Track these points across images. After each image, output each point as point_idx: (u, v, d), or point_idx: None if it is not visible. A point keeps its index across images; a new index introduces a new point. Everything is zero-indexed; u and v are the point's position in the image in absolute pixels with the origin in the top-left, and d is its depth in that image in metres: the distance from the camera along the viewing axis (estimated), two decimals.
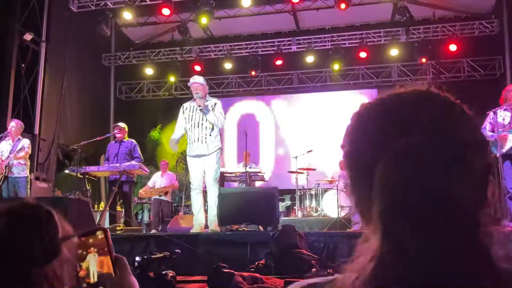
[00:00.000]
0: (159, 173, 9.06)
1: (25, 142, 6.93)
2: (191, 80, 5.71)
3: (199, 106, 5.50)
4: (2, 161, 6.67)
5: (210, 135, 5.51)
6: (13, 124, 6.97)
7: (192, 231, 5.44)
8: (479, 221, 0.57)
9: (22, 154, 6.76)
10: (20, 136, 6.99)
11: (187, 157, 5.70)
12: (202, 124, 5.51)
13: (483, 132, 5.29)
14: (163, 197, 8.75)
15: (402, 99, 0.66)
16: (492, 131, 5.41)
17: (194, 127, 5.54)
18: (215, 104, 5.61)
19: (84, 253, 1.00)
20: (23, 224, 0.65)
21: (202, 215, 5.55)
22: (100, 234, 1.02)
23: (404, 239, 0.55)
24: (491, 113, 5.46)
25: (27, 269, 0.63)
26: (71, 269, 0.72)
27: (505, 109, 5.44)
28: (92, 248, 1.00)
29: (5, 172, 6.66)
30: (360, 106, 0.71)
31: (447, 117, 0.61)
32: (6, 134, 6.89)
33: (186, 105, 5.80)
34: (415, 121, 0.60)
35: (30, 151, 7.04)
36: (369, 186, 0.62)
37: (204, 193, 5.69)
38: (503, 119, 5.36)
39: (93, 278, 1.02)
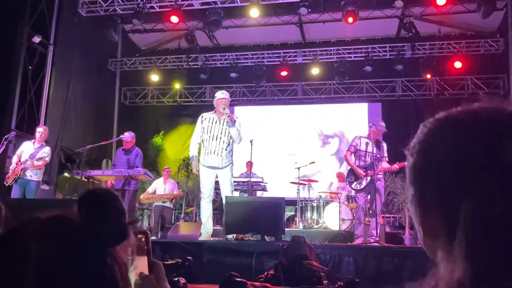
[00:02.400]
0: (161, 179, 9.03)
1: (47, 150, 6.95)
2: (222, 94, 5.92)
3: (227, 114, 5.65)
4: (20, 163, 6.72)
5: (226, 149, 5.69)
6: (41, 130, 7.04)
7: (200, 238, 5.47)
8: None
9: (40, 163, 6.79)
10: (44, 143, 7.04)
11: (201, 166, 5.80)
12: (220, 138, 5.69)
13: None
14: (166, 204, 8.75)
15: (486, 123, 0.61)
16: None
17: (212, 139, 5.70)
18: (235, 121, 5.78)
19: None
20: (92, 207, 0.67)
21: (211, 223, 5.64)
22: (141, 237, 1.02)
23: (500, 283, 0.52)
24: None
25: (99, 250, 0.65)
26: (134, 257, 0.75)
27: None
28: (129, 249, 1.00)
29: (20, 174, 6.71)
30: (435, 120, 0.67)
31: None
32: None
33: (205, 115, 5.93)
34: (502, 152, 0.56)
35: (49, 160, 7.08)
36: (443, 208, 0.60)
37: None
38: None
39: None
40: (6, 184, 6.81)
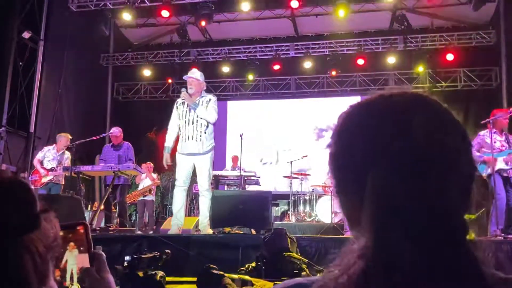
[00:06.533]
0: (144, 175, 9.04)
1: (69, 155, 7.37)
2: (188, 74, 5.45)
3: (183, 99, 5.28)
4: (50, 170, 7.20)
5: (205, 132, 5.26)
6: (65, 139, 7.46)
7: (170, 232, 5.29)
8: (466, 228, 0.58)
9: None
10: (64, 148, 7.44)
11: (178, 154, 5.37)
12: (197, 121, 5.25)
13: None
14: (147, 197, 8.80)
15: (394, 102, 0.65)
16: (478, 151, 5.69)
17: (189, 124, 5.26)
18: (210, 99, 5.36)
19: (62, 250, 0.97)
20: None
21: (182, 214, 5.36)
22: (80, 229, 1.00)
23: (396, 245, 0.55)
24: (481, 134, 5.75)
25: (4, 239, 0.63)
26: (55, 247, 0.73)
27: (495, 132, 5.68)
28: (72, 243, 0.99)
29: (53, 180, 7.22)
30: (349, 107, 0.70)
31: (440, 123, 0.62)
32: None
33: (179, 100, 5.51)
34: (408, 126, 0.60)
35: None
36: (357, 189, 0.62)
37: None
38: (494, 142, 5.53)
39: (70, 280, 1.00)
40: (35, 188, 7.13)
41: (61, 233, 0.99)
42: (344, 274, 0.58)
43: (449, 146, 0.60)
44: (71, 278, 1.01)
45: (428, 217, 0.56)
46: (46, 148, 7.55)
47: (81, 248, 0.99)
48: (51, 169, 7.22)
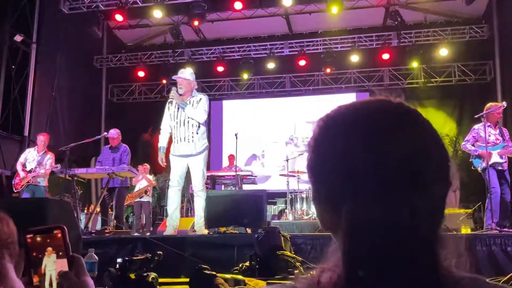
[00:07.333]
0: (140, 176, 9.03)
1: (51, 157, 7.31)
2: (178, 74, 5.33)
3: (172, 97, 5.21)
4: (30, 171, 7.12)
5: (197, 133, 5.18)
6: (43, 138, 7.38)
7: (165, 233, 5.26)
8: (438, 257, 0.57)
9: (50, 169, 7.19)
10: (46, 149, 7.39)
11: (171, 156, 5.33)
12: (188, 122, 5.17)
13: (466, 146, 5.65)
14: (143, 199, 8.79)
15: (371, 117, 0.62)
16: (473, 145, 5.74)
17: (180, 125, 5.18)
18: (200, 99, 5.26)
19: (40, 255, 0.95)
20: None
21: (177, 215, 5.31)
22: (57, 233, 0.98)
23: (368, 278, 0.55)
24: (476, 128, 5.77)
25: None
26: (9, 244, 0.71)
27: (489, 126, 5.69)
28: (50, 248, 0.97)
29: (32, 182, 7.13)
30: (325, 116, 0.67)
31: (418, 150, 0.59)
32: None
33: (169, 100, 5.42)
34: (383, 148, 0.58)
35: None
36: (330, 204, 0.62)
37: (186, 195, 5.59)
38: (489, 136, 5.53)
39: (49, 286, 0.98)
40: (16, 191, 7.15)
41: (38, 238, 0.97)
42: (315, 285, 0.58)
43: (425, 170, 0.58)
44: (50, 283, 0.99)
45: (397, 241, 0.55)
46: (27, 150, 7.51)
47: (60, 253, 0.97)
48: (30, 171, 7.15)
